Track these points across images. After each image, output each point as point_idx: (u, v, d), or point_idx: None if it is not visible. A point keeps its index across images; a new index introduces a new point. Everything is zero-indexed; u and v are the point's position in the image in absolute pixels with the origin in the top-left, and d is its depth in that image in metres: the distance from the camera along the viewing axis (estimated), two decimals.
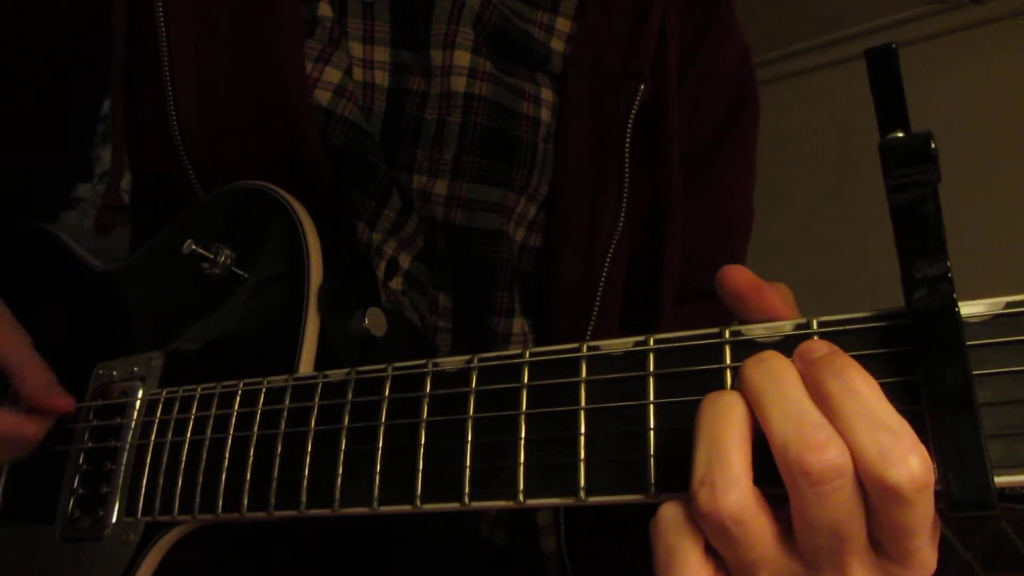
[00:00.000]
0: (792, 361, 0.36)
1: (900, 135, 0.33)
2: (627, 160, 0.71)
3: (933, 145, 0.31)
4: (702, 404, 0.36)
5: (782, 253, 2.22)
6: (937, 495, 0.33)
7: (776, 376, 0.35)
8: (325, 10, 0.68)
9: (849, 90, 2.24)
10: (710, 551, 0.36)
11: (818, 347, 0.35)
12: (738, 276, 0.42)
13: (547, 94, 0.72)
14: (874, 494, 0.32)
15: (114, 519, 0.56)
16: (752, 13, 2.14)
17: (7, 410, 0.60)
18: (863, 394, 0.33)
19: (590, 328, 0.69)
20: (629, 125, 0.71)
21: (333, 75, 0.66)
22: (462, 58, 0.69)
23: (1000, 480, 0.32)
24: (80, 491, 0.58)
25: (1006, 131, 2.13)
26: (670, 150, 0.72)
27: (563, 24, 0.74)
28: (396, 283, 0.69)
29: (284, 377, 0.51)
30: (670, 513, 0.36)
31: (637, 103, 0.71)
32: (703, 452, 0.34)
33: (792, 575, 0.35)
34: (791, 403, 0.34)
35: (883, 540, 0.34)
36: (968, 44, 2.25)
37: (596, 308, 0.70)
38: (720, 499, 0.33)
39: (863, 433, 0.32)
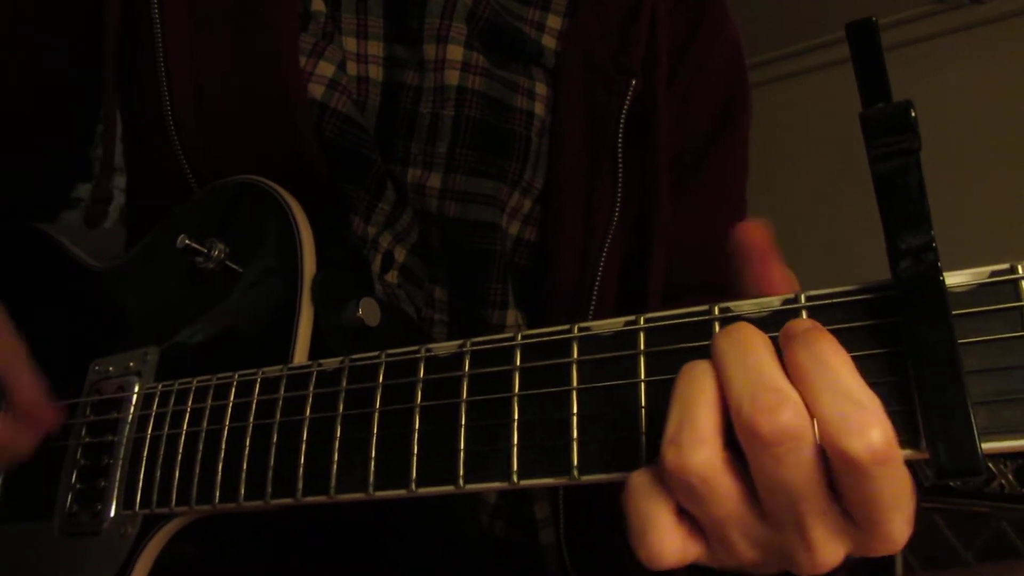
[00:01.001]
0: (778, 337, 0.36)
1: (880, 105, 0.33)
2: (620, 156, 0.71)
3: (913, 113, 0.32)
4: (679, 372, 0.37)
5: (780, 252, 2.21)
6: (925, 463, 0.33)
7: (739, 343, 0.35)
8: (318, 5, 0.68)
9: (848, 90, 2.23)
10: (683, 514, 0.36)
11: (802, 324, 0.36)
12: (756, 232, 0.42)
13: (541, 88, 0.73)
14: (835, 463, 0.33)
15: (112, 513, 0.56)
16: (751, 13, 2.15)
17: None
18: (832, 366, 0.33)
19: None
20: (621, 121, 0.71)
21: (327, 69, 0.66)
22: (455, 52, 0.69)
23: (987, 446, 0.32)
24: (78, 486, 0.59)
25: (1005, 131, 2.13)
26: (657, 148, 0.72)
27: (554, 21, 0.75)
28: (392, 276, 0.70)
29: (279, 367, 0.52)
30: (639, 479, 0.37)
31: (628, 99, 0.71)
32: (674, 414, 0.35)
33: (759, 532, 0.36)
34: (749, 368, 0.34)
35: (850, 508, 0.34)
36: (968, 44, 2.26)
37: (593, 305, 0.70)
38: (686, 457, 0.34)
39: (827, 402, 0.33)
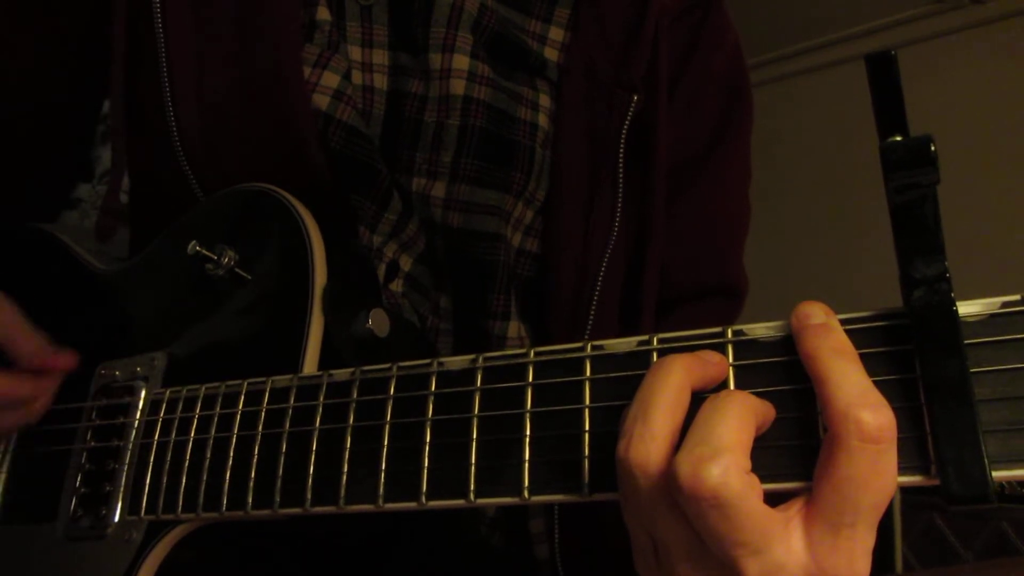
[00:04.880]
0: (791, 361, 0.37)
1: (900, 138, 0.33)
2: (621, 171, 0.71)
3: (933, 148, 0.32)
4: (651, 366, 0.39)
5: (781, 253, 2.23)
6: (935, 489, 0.33)
7: (715, 400, 0.37)
8: (323, 14, 0.68)
9: (849, 91, 2.25)
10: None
11: (816, 314, 0.37)
12: None
13: (545, 100, 0.73)
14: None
15: (117, 518, 0.56)
16: (751, 14, 2.16)
17: (10, 377, 0.59)
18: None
19: (586, 336, 0.70)
20: (623, 136, 0.71)
21: (332, 79, 0.66)
22: (461, 62, 0.69)
23: (997, 475, 0.33)
24: (82, 490, 0.59)
25: (1005, 131, 2.15)
26: (656, 163, 0.73)
27: (556, 33, 0.75)
28: (396, 285, 0.70)
29: (289, 377, 0.52)
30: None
31: (630, 114, 0.72)
32: (632, 408, 0.38)
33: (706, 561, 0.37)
34: (703, 424, 0.36)
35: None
36: (968, 44, 2.27)
37: (591, 317, 0.70)
38: (631, 449, 0.36)
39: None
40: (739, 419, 0.35)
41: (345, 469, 0.47)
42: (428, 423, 0.45)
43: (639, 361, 0.41)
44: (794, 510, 0.35)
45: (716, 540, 0.34)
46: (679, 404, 0.37)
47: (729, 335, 0.39)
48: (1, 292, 0.63)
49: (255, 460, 0.50)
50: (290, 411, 0.50)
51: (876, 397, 0.34)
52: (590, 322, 0.70)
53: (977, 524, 1.45)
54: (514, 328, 0.71)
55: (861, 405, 0.33)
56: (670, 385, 0.37)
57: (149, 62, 0.67)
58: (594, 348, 0.42)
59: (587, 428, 0.41)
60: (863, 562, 0.35)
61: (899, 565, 1.61)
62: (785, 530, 0.35)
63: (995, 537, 1.44)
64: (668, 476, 0.35)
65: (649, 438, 0.36)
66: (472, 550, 0.72)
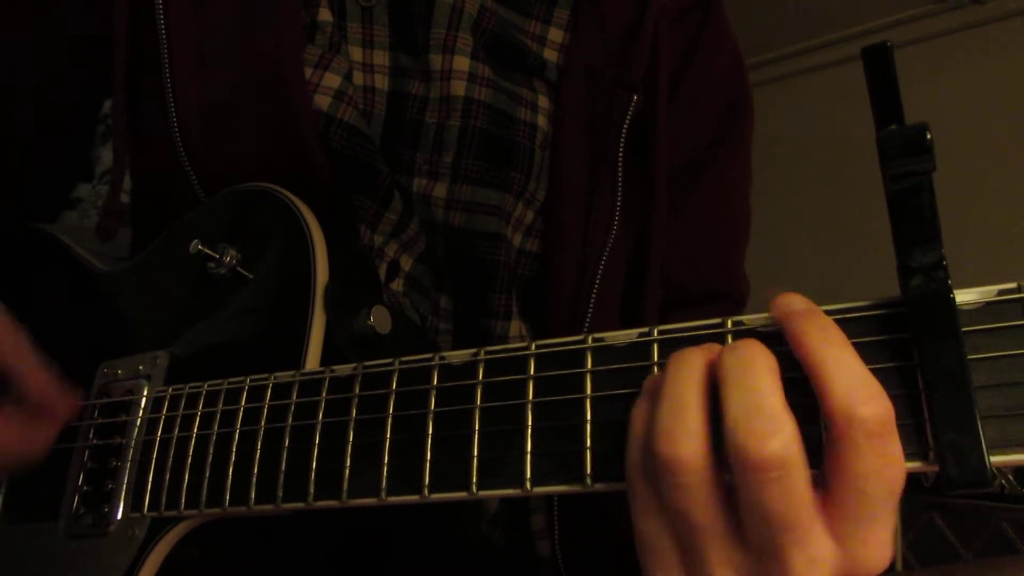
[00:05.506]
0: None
1: (896, 127, 0.34)
2: (620, 171, 0.72)
3: (929, 136, 0.33)
4: (668, 362, 0.38)
5: (781, 253, 2.23)
6: (935, 483, 0.34)
7: (743, 362, 0.36)
8: (325, 15, 0.69)
9: (849, 91, 2.26)
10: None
11: (796, 301, 0.37)
12: None
13: (544, 101, 0.73)
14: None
15: (119, 515, 0.56)
16: (751, 14, 2.16)
17: (11, 420, 0.56)
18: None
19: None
20: (622, 136, 0.72)
21: (333, 80, 0.67)
22: (461, 63, 0.70)
23: (995, 460, 0.33)
24: (85, 488, 0.59)
25: (1005, 131, 2.15)
26: (656, 163, 0.73)
27: (556, 34, 0.76)
28: (397, 284, 0.70)
29: (291, 373, 0.52)
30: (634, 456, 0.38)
31: (630, 114, 0.72)
32: (664, 405, 0.37)
33: (738, 559, 0.36)
34: (747, 390, 0.35)
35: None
36: (968, 44, 2.28)
37: (589, 316, 0.71)
38: (675, 446, 0.35)
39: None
40: (775, 383, 0.35)
41: (348, 463, 0.47)
42: (430, 416, 0.45)
43: (639, 353, 0.41)
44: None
45: (768, 522, 0.34)
46: (707, 398, 0.36)
47: (729, 325, 0.40)
48: (10, 318, 0.59)
49: (258, 455, 0.51)
50: (292, 406, 0.51)
51: (872, 388, 0.34)
52: (588, 320, 0.71)
53: (977, 524, 1.45)
54: (516, 327, 0.71)
55: (860, 401, 0.33)
56: (696, 380, 0.37)
57: (150, 62, 0.67)
58: (595, 340, 0.43)
59: (589, 418, 0.41)
60: (889, 544, 0.35)
61: (899, 565, 1.61)
62: (816, 523, 0.35)
63: (995, 537, 1.44)
64: (722, 461, 0.35)
65: (692, 434, 0.35)
66: (473, 547, 0.72)
